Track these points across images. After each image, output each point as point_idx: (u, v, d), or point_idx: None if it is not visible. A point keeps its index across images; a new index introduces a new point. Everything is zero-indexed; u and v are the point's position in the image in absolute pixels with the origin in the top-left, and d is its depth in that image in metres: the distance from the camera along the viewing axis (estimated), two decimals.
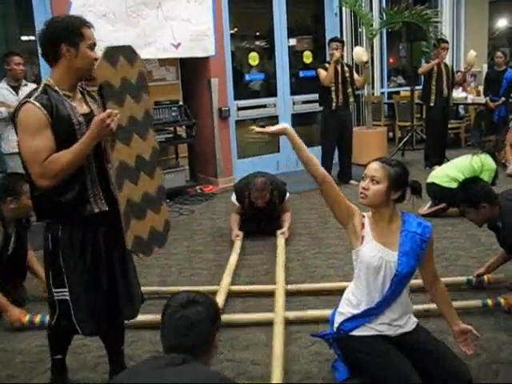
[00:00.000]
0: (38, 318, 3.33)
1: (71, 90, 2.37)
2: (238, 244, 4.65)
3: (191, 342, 1.76)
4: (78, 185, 2.33)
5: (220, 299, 3.47)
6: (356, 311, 2.49)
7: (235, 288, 3.83)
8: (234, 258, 4.29)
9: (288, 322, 3.22)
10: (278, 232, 4.81)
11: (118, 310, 2.52)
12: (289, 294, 3.64)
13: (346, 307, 2.54)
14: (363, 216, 2.52)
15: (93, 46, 2.36)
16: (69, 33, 2.29)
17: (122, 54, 2.39)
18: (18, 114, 2.27)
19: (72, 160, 2.25)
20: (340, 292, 2.73)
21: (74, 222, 2.38)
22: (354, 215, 2.51)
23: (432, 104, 7.33)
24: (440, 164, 6.64)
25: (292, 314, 3.33)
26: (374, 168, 2.45)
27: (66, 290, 2.41)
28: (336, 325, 2.55)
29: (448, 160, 6.54)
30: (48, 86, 2.33)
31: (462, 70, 8.61)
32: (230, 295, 3.72)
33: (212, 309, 1.85)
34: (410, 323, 2.53)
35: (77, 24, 2.32)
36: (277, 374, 2.61)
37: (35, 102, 2.23)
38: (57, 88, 2.33)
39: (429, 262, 2.55)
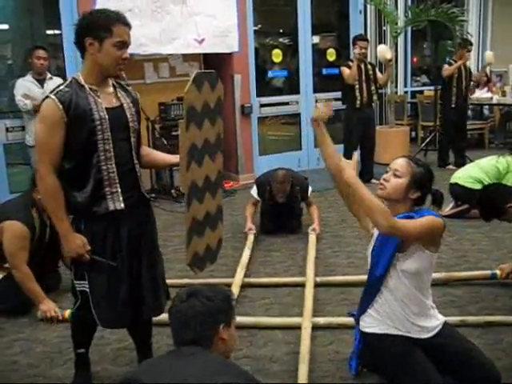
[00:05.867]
0: (66, 314, 3.33)
1: (99, 85, 2.38)
2: (250, 238, 4.64)
3: (191, 336, 1.76)
4: (92, 183, 2.36)
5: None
6: None
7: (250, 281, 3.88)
8: (246, 254, 4.28)
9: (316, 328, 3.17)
10: (309, 229, 4.73)
11: (142, 306, 2.54)
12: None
13: None
14: None
15: (121, 45, 2.32)
16: (95, 27, 2.29)
17: (206, 79, 2.42)
18: (40, 107, 2.34)
19: (47, 206, 2.43)
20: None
21: (94, 217, 2.40)
22: None
23: (453, 105, 7.29)
24: (461, 165, 6.55)
25: (322, 320, 3.25)
26: (399, 163, 2.44)
27: (86, 282, 2.44)
28: None
29: (471, 161, 6.46)
30: (75, 80, 2.36)
31: (486, 70, 8.65)
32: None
33: (211, 301, 1.79)
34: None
35: (106, 19, 2.29)
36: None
37: (54, 98, 2.27)
38: (83, 82, 2.35)
39: None
